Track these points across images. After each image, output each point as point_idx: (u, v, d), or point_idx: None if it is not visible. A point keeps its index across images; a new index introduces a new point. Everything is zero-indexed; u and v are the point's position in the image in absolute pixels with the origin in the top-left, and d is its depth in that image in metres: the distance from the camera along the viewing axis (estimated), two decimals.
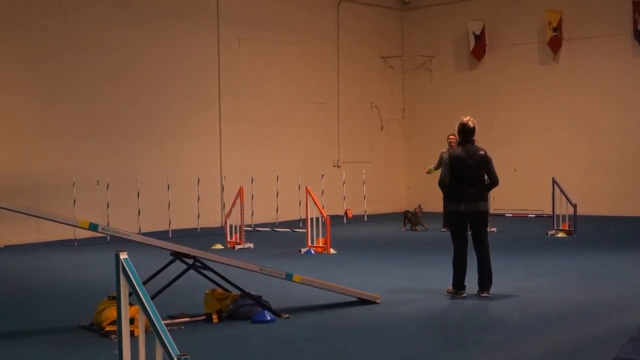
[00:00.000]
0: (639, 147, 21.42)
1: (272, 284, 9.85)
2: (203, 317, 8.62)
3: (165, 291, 8.43)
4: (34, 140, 17.42)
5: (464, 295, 9.75)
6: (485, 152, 9.95)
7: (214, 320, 8.53)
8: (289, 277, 8.98)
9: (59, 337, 8.03)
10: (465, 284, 9.83)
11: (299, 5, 22.71)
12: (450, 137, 16.33)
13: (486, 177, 9.93)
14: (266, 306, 8.66)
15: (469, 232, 9.96)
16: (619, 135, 21.76)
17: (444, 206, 10.67)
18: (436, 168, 16.26)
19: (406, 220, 18.45)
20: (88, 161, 18.08)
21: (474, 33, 23.71)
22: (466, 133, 9.92)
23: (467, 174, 9.79)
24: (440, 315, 8.87)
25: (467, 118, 10.02)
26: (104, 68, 18.52)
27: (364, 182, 21.85)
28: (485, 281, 9.81)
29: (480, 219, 9.93)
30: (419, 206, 18.69)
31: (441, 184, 10.01)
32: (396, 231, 18.86)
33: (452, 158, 9.93)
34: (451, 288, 9.89)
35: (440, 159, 14.99)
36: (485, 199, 10.02)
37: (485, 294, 9.73)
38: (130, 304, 5.22)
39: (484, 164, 9.88)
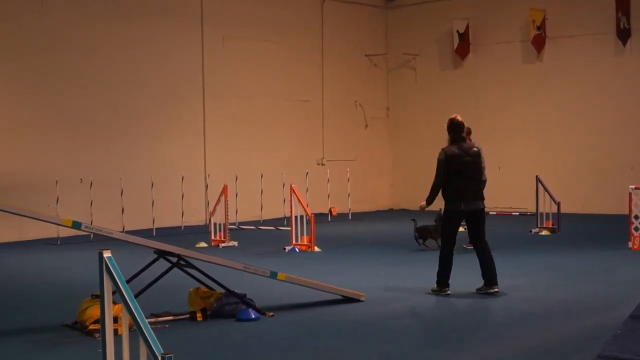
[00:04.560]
0: (621, 145, 21.53)
1: (257, 282, 9.84)
2: (187, 316, 8.60)
3: (149, 289, 8.40)
4: (17, 139, 17.31)
5: (449, 292, 9.75)
6: (479, 148, 9.90)
7: (198, 319, 8.51)
8: (273, 275, 8.97)
9: (42, 336, 7.98)
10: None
11: (283, 4, 22.68)
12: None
13: None
14: (250, 304, 8.64)
15: (460, 232, 10.04)
16: (602, 134, 21.86)
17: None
18: None
19: (417, 234, 14.48)
20: (71, 159, 17.99)
21: (458, 32, 23.76)
22: (456, 129, 9.82)
23: (464, 171, 9.67)
24: (424, 313, 8.89)
25: (455, 115, 9.97)
26: (87, 66, 18.43)
27: (348, 180, 21.86)
28: (492, 276, 9.77)
29: (480, 217, 9.87)
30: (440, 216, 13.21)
31: (436, 186, 9.77)
32: (380, 229, 18.87)
33: (448, 156, 9.71)
34: (435, 286, 9.88)
35: None
36: (483, 197, 9.94)
37: (496, 289, 9.69)
38: (114, 303, 5.19)
39: (479, 160, 9.86)
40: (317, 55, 23.62)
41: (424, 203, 9.99)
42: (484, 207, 9.98)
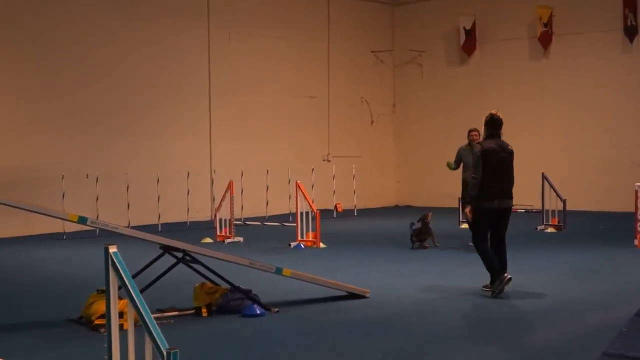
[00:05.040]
0: (628, 143, 21.49)
1: (262, 278, 9.85)
2: (193, 311, 8.61)
3: (155, 285, 8.42)
4: (24, 135, 17.34)
5: (508, 276, 9.44)
6: (512, 148, 9.69)
7: (204, 314, 8.52)
8: (278, 271, 8.97)
9: (48, 330, 8.00)
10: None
11: (289, 0, 22.66)
12: (474, 133, 14.27)
13: None
14: (256, 300, 8.65)
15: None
16: (609, 131, 21.81)
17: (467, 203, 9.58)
18: (455, 165, 14.51)
19: (414, 238, 14.25)
20: (78, 155, 18.02)
21: (464, 28, 23.73)
22: (496, 125, 9.59)
23: (500, 168, 9.45)
24: (428, 310, 8.87)
25: (496, 110, 9.75)
26: (94, 63, 18.44)
27: (354, 176, 21.85)
28: (503, 265, 9.59)
29: (508, 216, 9.65)
30: (426, 215, 14.47)
31: (473, 179, 9.46)
32: (386, 226, 18.86)
33: (485, 151, 9.43)
34: (489, 285, 9.61)
35: (459, 155, 14.28)
36: (512, 196, 9.72)
37: (509, 276, 9.50)
38: (120, 298, 5.20)
39: (512, 158, 9.64)
40: (323, 51, 23.60)
41: (468, 210, 9.56)
42: (512, 205, 9.77)
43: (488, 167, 9.38)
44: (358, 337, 7.64)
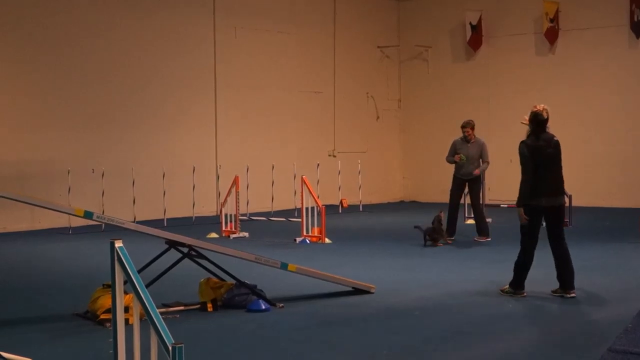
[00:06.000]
0: (634, 138, 21.44)
1: (267, 273, 9.86)
2: (198, 306, 8.62)
3: (160, 280, 8.43)
4: (30, 129, 17.36)
5: (525, 295, 9.15)
6: (558, 138, 9.19)
7: (209, 309, 8.53)
8: (284, 266, 8.97)
9: (54, 325, 8.02)
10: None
11: None
12: (467, 129, 14.38)
13: None
14: (261, 295, 8.66)
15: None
16: (615, 127, 21.78)
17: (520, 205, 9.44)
18: (450, 157, 14.48)
19: (427, 237, 14.08)
20: (83, 149, 18.03)
21: (470, 23, 23.68)
22: (540, 123, 9.07)
23: (547, 164, 9.02)
24: (434, 306, 8.87)
25: (542, 107, 9.15)
26: (100, 57, 18.45)
27: (359, 172, 21.84)
28: (569, 279, 9.15)
29: (561, 213, 9.29)
30: (439, 215, 14.18)
31: (527, 183, 8.96)
32: (391, 221, 18.85)
33: (530, 149, 8.99)
34: (507, 287, 9.28)
35: (453, 147, 14.37)
36: (564, 192, 9.32)
37: (572, 294, 9.06)
38: (125, 292, 5.21)
39: (559, 150, 9.18)
40: (329, 46, 23.58)
41: (522, 217, 9.13)
42: (564, 202, 9.39)
43: (535, 165, 8.95)
44: (363, 332, 7.64)
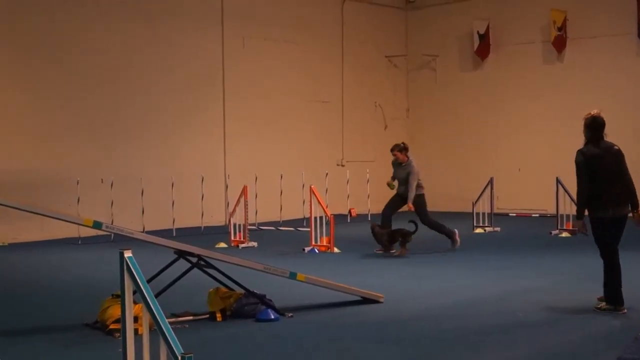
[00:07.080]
0: None
1: (276, 283, 9.85)
2: (207, 316, 8.63)
3: (169, 289, 8.44)
4: (39, 138, 17.43)
5: (625, 311, 8.64)
6: (619, 147, 8.78)
7: (218, 319, 8.54)
8: (292, 275, 8.98)
9: (63, 335, 8.03)
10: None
11: (303, 4, 22.71)
12: (395, 152, 14.76)
13: None
14: (270, 305, 8.66)
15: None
16: (624, 135, 21.66)
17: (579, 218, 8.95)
18: (393, 180, 14.91)
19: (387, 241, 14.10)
20: (92, 159, 18.09)
21: (478, 32, 23.70)
22: (598, 128, 8.76)
23: (607, 173, 8.59)
24: (443, 314, 8.86)
25: (596, 111, 8.89)
26: (108, 66, 18.52)
27: (367, 181, 21.83)
28: (618, 294, 8.76)
29: (623, 225, 8.76)
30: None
31: (582, 193, 8.60)
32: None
33: (588, 157, 8.61)
34: (605, 304, 8.78)
35: (393, 169, 14.54)
36: (630, 201, 8.74)
37: (624, 310, 8.67)
38: (135, 302, 5.23)
39: (621, 159, 8.73)
40: (337, 56, 23.62)
41: (580, 224, 8.86)
42: (627, 213, 8.79)
43: (594, 174, 8.56)
44: (372, 342, 7.64)
